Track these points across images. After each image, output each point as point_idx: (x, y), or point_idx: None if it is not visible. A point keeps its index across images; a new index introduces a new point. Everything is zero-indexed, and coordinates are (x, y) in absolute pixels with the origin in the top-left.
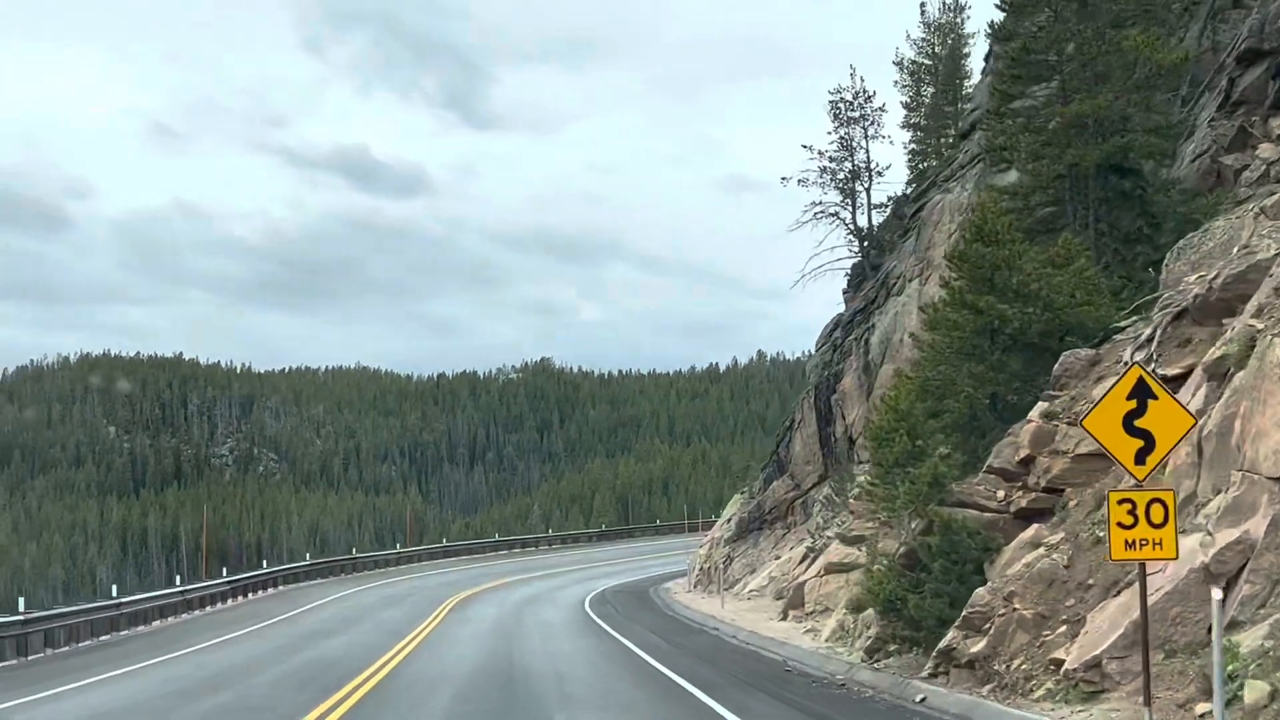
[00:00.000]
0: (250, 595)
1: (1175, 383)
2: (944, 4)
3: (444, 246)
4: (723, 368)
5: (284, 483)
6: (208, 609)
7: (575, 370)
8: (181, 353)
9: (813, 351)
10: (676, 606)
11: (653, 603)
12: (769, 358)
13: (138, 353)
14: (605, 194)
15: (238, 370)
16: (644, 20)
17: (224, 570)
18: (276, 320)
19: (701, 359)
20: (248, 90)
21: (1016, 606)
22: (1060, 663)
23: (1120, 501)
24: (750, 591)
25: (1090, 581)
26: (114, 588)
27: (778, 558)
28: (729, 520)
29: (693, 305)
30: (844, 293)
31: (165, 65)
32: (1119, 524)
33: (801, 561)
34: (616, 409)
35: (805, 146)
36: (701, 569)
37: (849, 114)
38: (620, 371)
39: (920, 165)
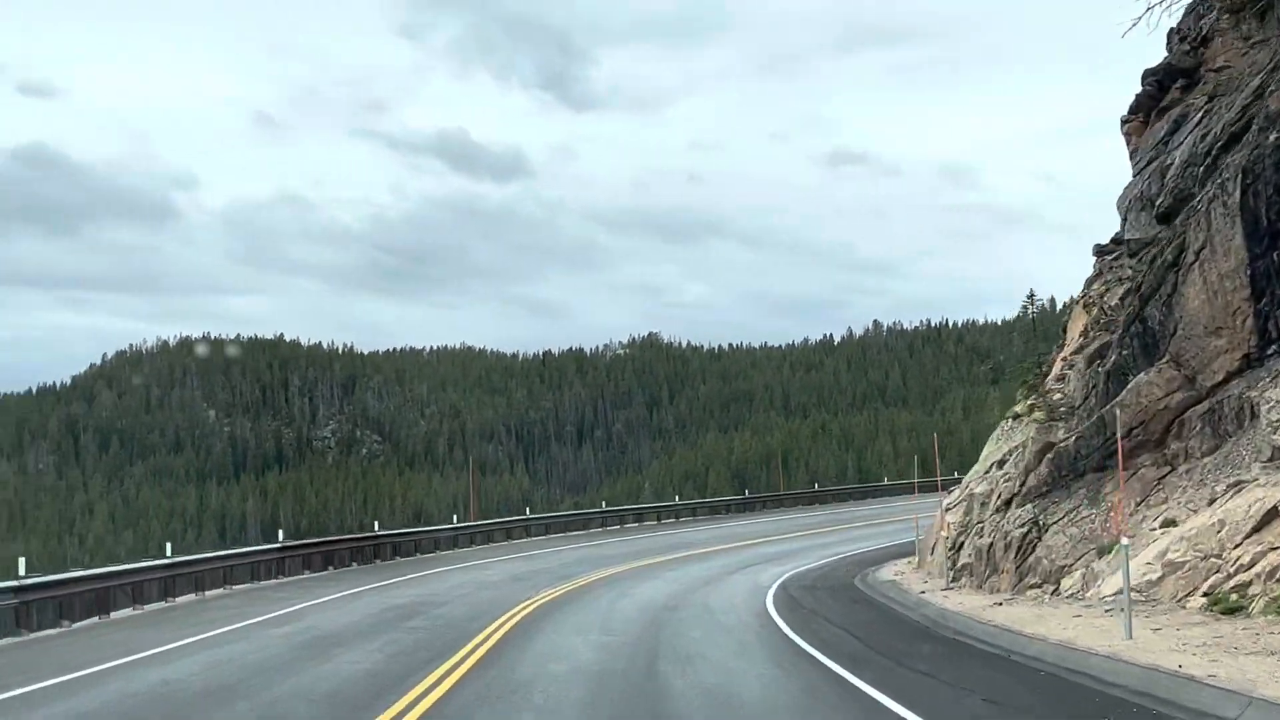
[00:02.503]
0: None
1: None
2: None
3: (544, 228)
4: (837, 339)
5: (387, 464)
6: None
7: (684, 345)
8: (282, 334)
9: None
10: (932, 612)
11: (884, 605)
12: (885, 327)
13: (238, 335)
14: (707, 172)
15: (339, 351)
16: None
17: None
18: (380, 306)
19: (813, 333)
20: (348, 78)
21: None
22: None
23: None
24: (1107, 594)
25: None
26: (280, 533)
27: (1171, 520)
28: (999, 465)
29: (798, 281)
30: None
31: (268, 57)
32: None
33: (1264, 519)
34: (728, 383)
35: None
36: (957, 547)
37: None
38: (730, 345)
39: None
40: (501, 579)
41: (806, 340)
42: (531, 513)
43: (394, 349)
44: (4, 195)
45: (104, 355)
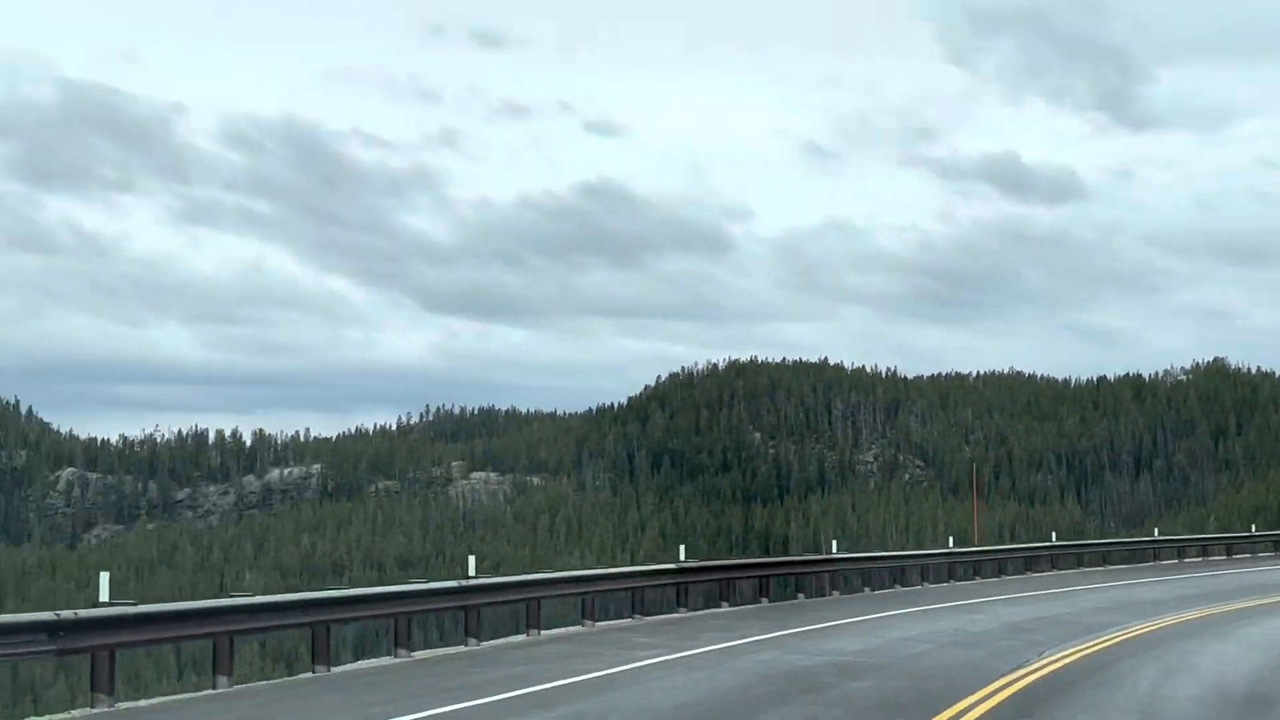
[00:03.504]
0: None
1: None
2: None
3: (1098, 252)
4: None
5: (930, 490)
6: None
7: (1253, 371)
8: (825, 357)
9: None
10: None
11: None
12: None
13: (783, 358)
14: (1278, 191)
15: (883, 375)
16: None
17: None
18: (925, 332)
19: None
20: (898, 106)
21: None
22: None
23: None
24: None
25: None
26: (682, 550)
27: None
28: None
29: None
30: None
31: (818, 88)
32: None
33: None
34: None
35: None
36: None
37: None
38: None
39: None
40: (989, 629)
41: None
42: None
43: (938, 374)
44: (574, 229)
45: (658, 378)
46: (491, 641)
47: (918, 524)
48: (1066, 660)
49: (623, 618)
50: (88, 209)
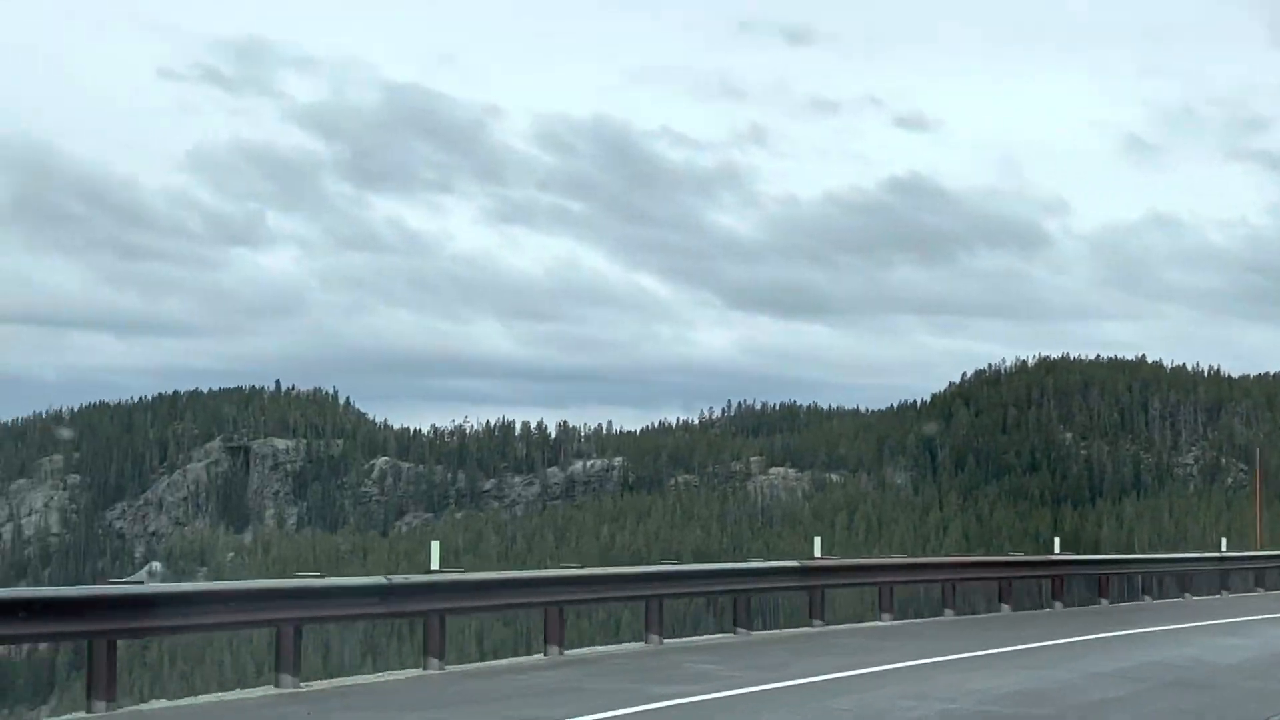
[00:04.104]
0: None
1: None
2: None
3: None
4: None
5: (1253, 496)
6: None
7: None
8: (1143, 355)
9: None
10: None
11: None
12: None
13: (1096, 355)
14: None
15: (1204, 374)
16: None
17: None
18: (1253, 331)
19: None
20: (1223, 96)
21: None
22: None
23: None
24: None
25: None
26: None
27: None
28: None
29: None
30: None
31: (1140, 78)
32: None
33: None
34: None
35: None
36: None
37: None
38: None
39: None
40: (1246, 660)
41: None
42: None
43: (1267, 374)
44: (884, 225)
45: (963, 374)
46: (834, 627)
47: (1240, 529)
48: None
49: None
50: (410, 208)
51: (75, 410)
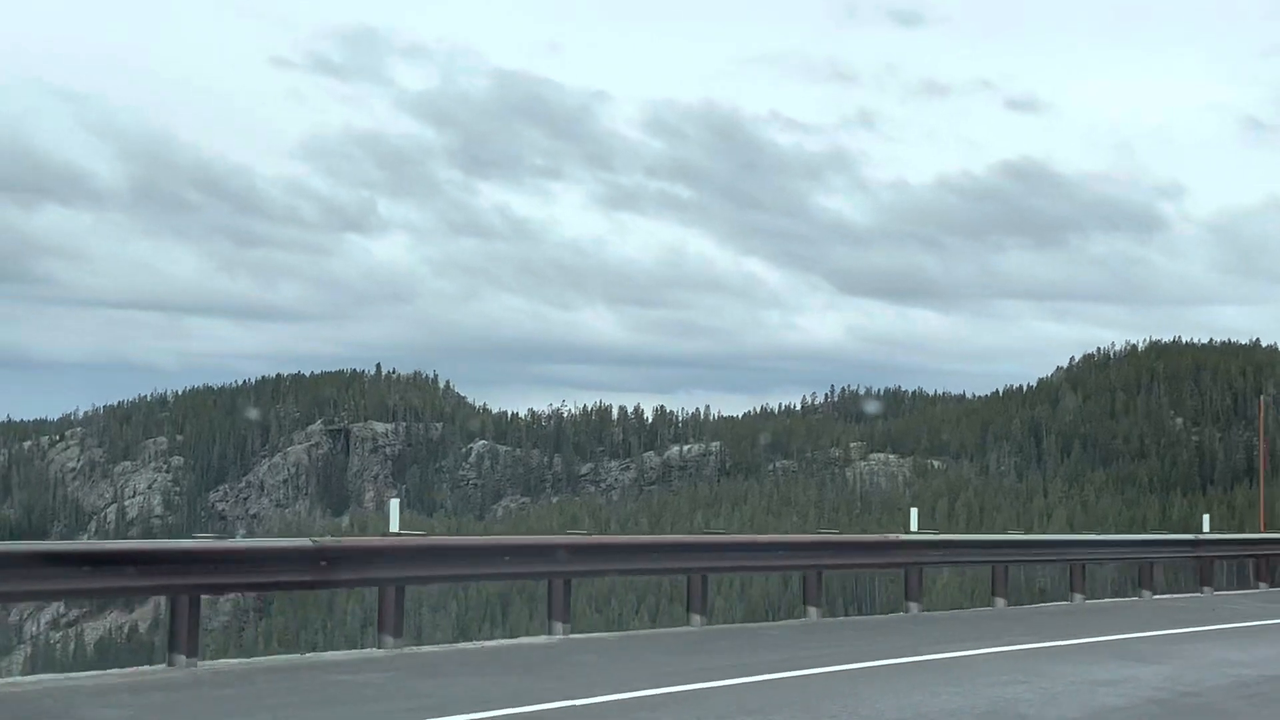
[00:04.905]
0: None
1: None
2: None
3: None
4: None
5: None
6: None
7: None
8: (1258, 339)
9: None
10: None
11: None
12: None
13: (1209, 339)
14: None
15: None
16: None
17: None
18: None
19: None
20: None
21: None
22: None
23: None
24: None
25: None
26: None
27: None
28: None
29: None
30: None
31: (1258, 59)
32: None
33: None
34: None
35: None
36: None
37: None
38: None
39: None
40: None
41: None
42: None
43: None
44: (995, 209)
45: (1070, 359)
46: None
47: None
48: None
49: None
50: (519, 195)
51: (180, 393)
